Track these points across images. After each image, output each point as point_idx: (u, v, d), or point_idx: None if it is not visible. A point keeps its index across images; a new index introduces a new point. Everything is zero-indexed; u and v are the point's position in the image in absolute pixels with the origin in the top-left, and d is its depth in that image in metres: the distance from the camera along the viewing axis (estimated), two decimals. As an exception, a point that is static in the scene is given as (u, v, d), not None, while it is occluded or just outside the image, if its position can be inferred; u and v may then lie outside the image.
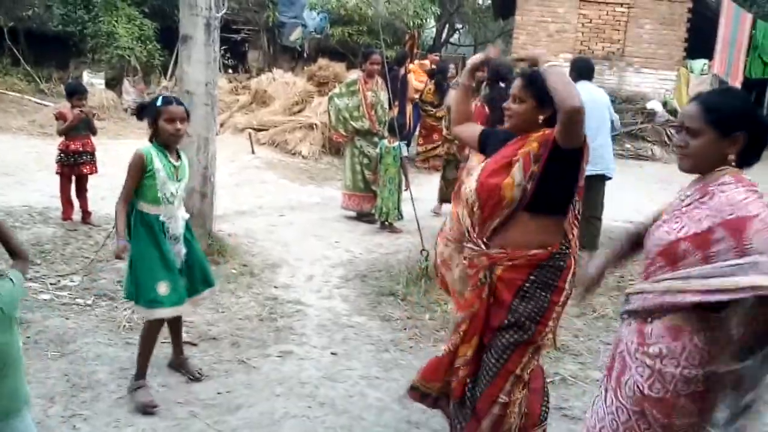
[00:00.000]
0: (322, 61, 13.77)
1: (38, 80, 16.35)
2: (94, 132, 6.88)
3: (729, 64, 15.40)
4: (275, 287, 5.47)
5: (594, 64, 6.78)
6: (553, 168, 2.67)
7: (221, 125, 11.78)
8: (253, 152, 11.38)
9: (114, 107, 14.67)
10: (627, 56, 15.90)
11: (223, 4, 5.83)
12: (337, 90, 8.04)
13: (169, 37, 15.39)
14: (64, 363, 3.89)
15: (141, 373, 3.59)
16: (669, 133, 14.63)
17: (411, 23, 16.65)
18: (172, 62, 15.96)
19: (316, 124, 11.85)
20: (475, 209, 2.81)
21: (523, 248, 2.74)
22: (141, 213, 3.48)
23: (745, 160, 2.14)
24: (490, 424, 2.83)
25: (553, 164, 2.66)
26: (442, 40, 23.25)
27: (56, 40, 17.44)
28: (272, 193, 9.08)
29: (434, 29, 22.79)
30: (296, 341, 4.48)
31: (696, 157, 2.14)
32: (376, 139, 7.62)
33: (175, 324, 3.83)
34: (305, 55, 17.71)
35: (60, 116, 6.71)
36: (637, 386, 2.17)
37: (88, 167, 6.76)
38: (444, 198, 8.15)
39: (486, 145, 3.01)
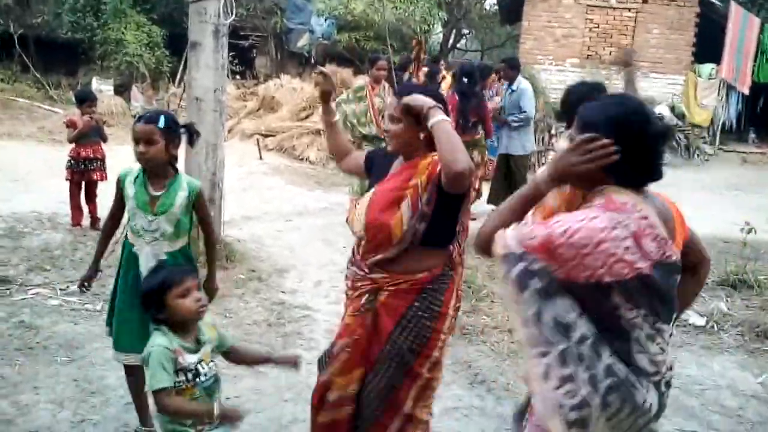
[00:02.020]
0: (330, 67, 13.79)
1: (47, 87, 16.47)
2: (104, 139, 6.93)
3: (737, 68, 15.37)
4: (283, 292, 5.48)
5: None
6: (441, 207, 2.58)
7: (229, 131, 11.83)
8: (260, 158, 11.42)
9: (122, 114, 14.75)
10: (635, 61, 15.88)
11: (232, 12, 5.86)
12: (344, 96, 8.06)
13: (177, 44, 15.47)
14: (73, 368, 3.92)
15: (141, 420, 3.30)
16: (677, 138, 14.59)
17: (418, 29, 16.68)
18: (180, 69, 16.02)
19: (323, 130, 11.87)
20: (362, 242, 2.70)
21: (408, 273, 2.63)
22: (125, 241, 3.18)
23: (628, 178, 1.95)
24: None
25: (441, 203, 2.57)
26: (449, 45, 23.27)
27: (65, 47, 17.58)
28: (279, 199, 9.10)
29: (441, 35, 22.81)
30: (304, 346, 4.49)
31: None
32: (383, 144, 7.61)
33: (132, 380, 3.23)
34: (312, 61, 17.77)
35: (70, 124, 6.76)
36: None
37: (98, 174, 6.80)
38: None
39: (371, 166, 2.92)
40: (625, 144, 1.90)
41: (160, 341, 2.38)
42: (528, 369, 1.97)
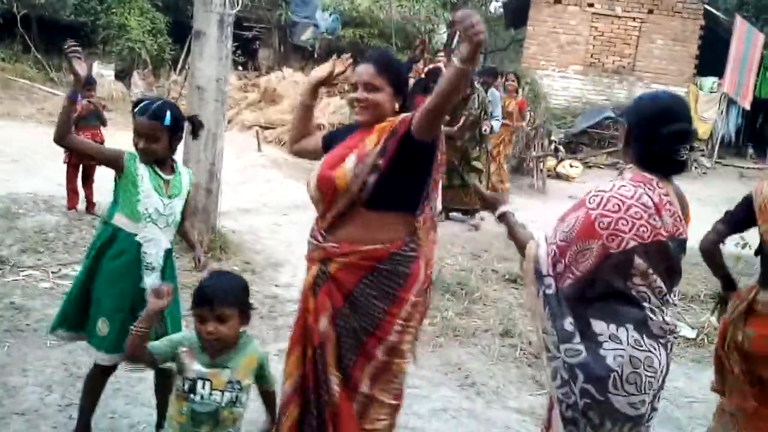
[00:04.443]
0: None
1: (48, 68, 16.39)
2: (104, 123, 6.91)
3: (739, 83, 15.41)
4: (276, 286, 5.47)
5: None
6: (401, 161, 2.43)
7: (229, 122, 11.80)
8: (259, 150, 11.39)
9: (122, 99, 14.72)
10: (637, 71, 15.92)
11: (238, 2, 5.85)
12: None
13: (180, 32, 15.45)
14: (62, 352, 3.90)
15: (79, 428, 2.97)
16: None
17: (422, 28, 16.66)
18: (182, 57, 15.99)
19: (323, 125, 11.87)
20: (318, 203, 2.56)
21: (358, 243, 2.45)
22: (114, 228, 2.83)
23: (651, 165, 2.25)
24: None
25: (402, 157, 2.42)
26: (453, 46, 23.26)
27: (68, 29, 17.44)
28: (277, 192, 9.09)
29: (445, 35, 22.81)
30: (295, 341, 4.47)
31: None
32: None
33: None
34: (316, 55, 17.74)
35: (69, 106, 6.73)
36: None
37: (95, 158, 6.77)
38: (447, 206, 8.16)
39: (330, 144, 2.70)
40: (643, 134, 2.24)
41: (183, 334, 2.38)
42: (544, 365, 2.30)
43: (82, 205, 6.80)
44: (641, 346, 2.18)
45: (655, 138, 2.19)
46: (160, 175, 2.86)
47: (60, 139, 2.79)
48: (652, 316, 2.20)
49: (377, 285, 2.46)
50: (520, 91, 9.90)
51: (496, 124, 8.24)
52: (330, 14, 17.03)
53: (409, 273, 2.49)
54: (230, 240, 6.18)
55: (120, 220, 2.83)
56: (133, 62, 16.52)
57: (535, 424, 3.72)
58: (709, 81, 15.58)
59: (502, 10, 20.67)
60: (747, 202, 3.00)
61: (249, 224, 7.11)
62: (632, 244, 2.13)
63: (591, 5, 15.94)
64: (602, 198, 2.16)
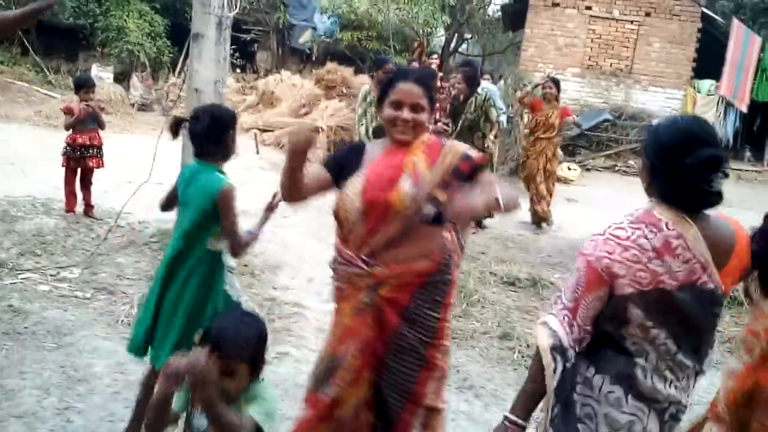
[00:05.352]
0: (331, 65, 13.82)
1: (47, 71, 16.41)
2: (102, 126, 6.90)
3: (736, 86, 15.44)
4: (274, 288, 5.47)
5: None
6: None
7: (227, 124, 11.82)
8: (257, 152, 11.39)
9: (121, 102, 14.71)
10: (635, 73, 15.94)
11: (236, 4, 5.85)
12: (360, 110, 7.84)
13: (179, 34, 15.47)
14: (60, 355, 3.89)
15: None
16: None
17: (420, 31, 16.69)
18: (181, 59, 16.00)
19: (322, 128, 11.88)
20: (355, 228, 2.51)
21: (405, 262, 2.45)
22: (214, 254, 3.12)
23: (674, 199, 1.95)
24: None
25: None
26: (451, 49, 23.29)
27: (67, 32, 17.53)
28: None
29: (443, 38, 22.84)
30: (294, 343, 4.48)
31: None
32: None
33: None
34: (314, 57, 17.78)
35: (67, 111, 6.74)
36: None
37: (94, 161, 6.77)
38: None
39: (340, 168, 2.60)
40: (665, 167, 1.93)
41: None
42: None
43: (80, 208, 6.79)
44: (622, 407, 1.93)
45: (681, 170, 1.87)
46: None
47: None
48: (641, 376, 1.94)
49: (429, 296, 2.50)
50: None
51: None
52: (328, 17, 17.06)
53: (452, 279, 2.58)
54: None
55: (217, 244, 3.16)
56: (132, 65, 16.55)
57: (533, 427, 3.72)
58: (706, 83, 15.61)
59: (500, 13, 20.69)
60: None
61: (247, 227, 7.09)
62: (629, 290, 1.89)
63: (589, 8, 15.96)
64: (597, 241, 1.95)
